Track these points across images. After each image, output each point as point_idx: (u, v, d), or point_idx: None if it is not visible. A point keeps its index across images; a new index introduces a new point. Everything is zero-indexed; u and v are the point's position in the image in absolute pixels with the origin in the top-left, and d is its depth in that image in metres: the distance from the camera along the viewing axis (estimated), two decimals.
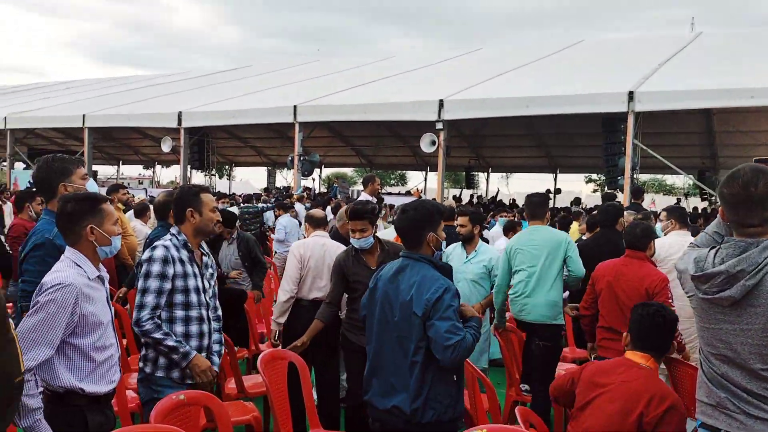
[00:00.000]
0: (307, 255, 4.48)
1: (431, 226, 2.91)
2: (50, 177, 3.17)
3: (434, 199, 9.14)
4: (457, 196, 23.48)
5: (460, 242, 5.23)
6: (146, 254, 3.13)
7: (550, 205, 7.04)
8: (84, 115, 17.92)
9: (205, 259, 3.31)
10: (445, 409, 2.76)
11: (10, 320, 2.05)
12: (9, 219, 7.89)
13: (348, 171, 44.01)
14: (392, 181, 51.55)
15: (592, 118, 13.28)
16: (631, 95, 10.71)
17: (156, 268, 3.05)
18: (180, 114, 16.28)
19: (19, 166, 21.52)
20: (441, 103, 12.46)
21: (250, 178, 43.72)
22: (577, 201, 20.34)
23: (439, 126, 12.52)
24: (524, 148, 23.31)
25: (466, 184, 25.32)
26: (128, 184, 30.55)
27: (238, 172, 38.90)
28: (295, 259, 4.49)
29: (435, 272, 2.83)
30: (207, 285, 3.27)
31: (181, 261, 3.13)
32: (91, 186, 3.32)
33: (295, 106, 14.44)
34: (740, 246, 2.08)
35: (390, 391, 2.81)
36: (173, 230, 3.24)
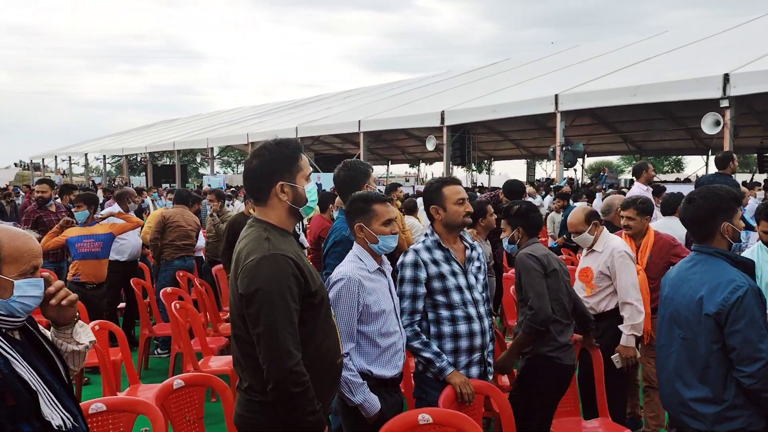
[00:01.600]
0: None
1: (725, 215, 2.59)
2: (356, 177, 3.58)
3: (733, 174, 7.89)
4: (747, 182, 20.56)
5: (759, 246, 3.98)
6: (399, 259, 3.14)
7: None
8: (359, 121, 19.73)
9: (468, 252, 3.18)
10: (755, 419, 2.45)
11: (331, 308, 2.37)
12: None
13: (614, 159, 41.53)
14: (666, 168, 47.21)
15: None
16: None
17: (408, 273, 3.05)
18: (443, 113, 16.96)
19: None
20: (726, 78, 11.01)
21: (508, 172, 43.85)
22: None
23: (724, 104, 11.08)
24: None
25: (759, 168, 22.07)
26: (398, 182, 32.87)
27: (497, 165, 39.33)
28: (633, 262, 4.14)
29: (732, 268, 2.51)
30: (473, 280, 3.15)
31: (435, 262, 3.07)
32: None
33: (556, 95, 14.03)
34: None
35: (680, 394, 2.58)
36: (428, 230, 3.21)
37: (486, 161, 36.03)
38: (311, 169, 2.37)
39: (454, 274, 3.09)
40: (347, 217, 2.95)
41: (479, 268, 3.24)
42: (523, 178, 33.09)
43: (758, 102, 15.59)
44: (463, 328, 3.06)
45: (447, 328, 3.05)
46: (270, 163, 2.22)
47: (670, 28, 26.80)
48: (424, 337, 3.04)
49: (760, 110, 18.07)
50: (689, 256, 2.71)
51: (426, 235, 3.19)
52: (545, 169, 41.51)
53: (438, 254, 3.10)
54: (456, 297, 3.06)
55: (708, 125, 11.53)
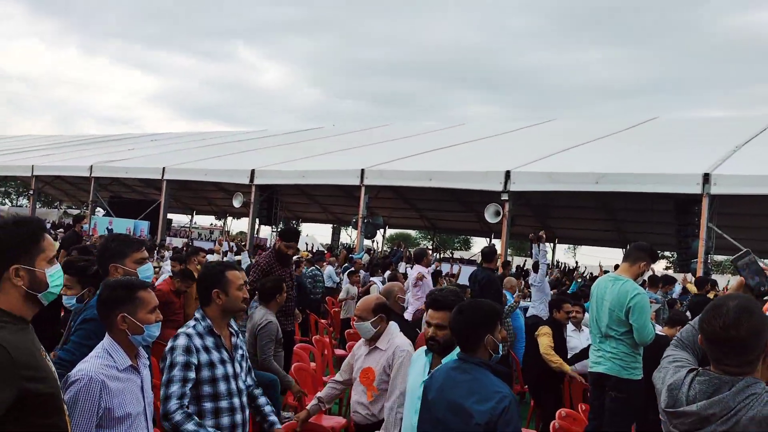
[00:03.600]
0: None
1: (488, 328, 2.76)
2: (104, 256, 3.23)
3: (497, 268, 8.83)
4: (519, 266, 23.04)
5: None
6: (169, 344, 2.97)
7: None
8: (164, 168, 18.85)
9: (234, 340, 3.14)
10: None
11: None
12: None
13: (412, 232, 44.15)
14: (456, 245, 51.23)
15: (665, 197, 12.89)
16: (706, 177, 10.35)
17: (180, 358, 2.90)
18: (253, 171, 16.88)
19: (100, 212, 22.73)
20: (507, 175, 12.42)
21: (315, 234, 44.42)
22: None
23: (504, 197, 12.45)
24: (594, 221, 22.78)
25: (531, 253, 24.93)
26: (199, 234, 31.63)
27: (304, 227, 39.64)
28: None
29: (495, 378, 2.68)
30: (239, 369, 3.11)
31: (206, 349, 2.97)
32: (146, 270, 3.29)
33: (362, 170, 14.71)
34: (714, 384, 1.94)
35: None
36: (197, 314, 3.07)
37: (293, 222, 36.21)
38: (56, 251, 2.14)
39: (223, 362, 3.01)
40: (102, 306, 2.65)
41: (243, 356, 3.22)
42: (328, 241, 33.75)
43: (533, 197, 17.71)
44: (225, 420, 2.97)
45: (209, 422, 2.93)
46: (2, 245, 1.97)
47: (468, 122, 29.68)
48: (196, 418, 2.87)
49: (535, 204, 20.51)
50: (454, 362, 2.81)
51: (196, 319, 3.06)
52: (350, 236, 42.83)
53: (209, 341, 3.00)
54: (223, 387, 2.97)
55: (490, 215, 12.83)
